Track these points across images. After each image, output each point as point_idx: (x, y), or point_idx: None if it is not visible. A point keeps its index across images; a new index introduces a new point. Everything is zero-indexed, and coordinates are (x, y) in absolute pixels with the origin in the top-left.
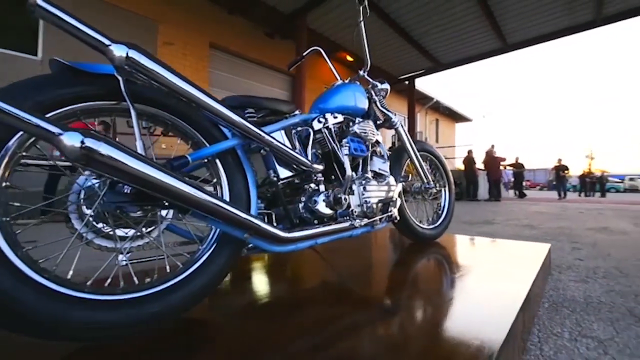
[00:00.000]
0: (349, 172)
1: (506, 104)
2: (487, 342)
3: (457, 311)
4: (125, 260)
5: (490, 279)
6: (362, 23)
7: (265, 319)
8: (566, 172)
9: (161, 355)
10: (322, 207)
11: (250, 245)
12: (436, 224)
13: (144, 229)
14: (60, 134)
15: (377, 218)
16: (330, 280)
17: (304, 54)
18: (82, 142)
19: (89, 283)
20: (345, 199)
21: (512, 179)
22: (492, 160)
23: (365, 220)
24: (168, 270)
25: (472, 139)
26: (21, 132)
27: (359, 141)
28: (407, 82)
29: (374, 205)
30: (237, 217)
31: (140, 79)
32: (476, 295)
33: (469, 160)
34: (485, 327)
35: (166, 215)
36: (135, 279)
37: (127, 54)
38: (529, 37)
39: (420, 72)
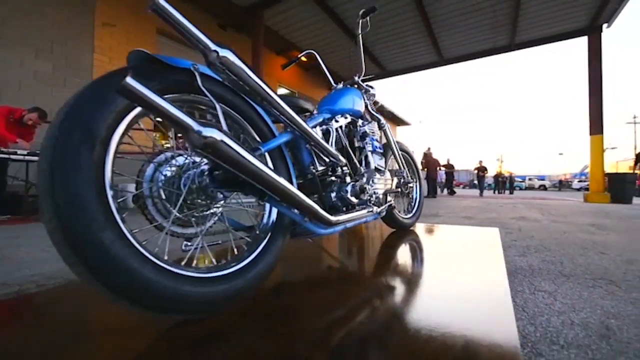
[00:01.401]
0: (372, 165)
1: (438, 112)
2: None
3: (461, 295)
4: (189, 245)
5: (470, 261)
6: (360, 36)
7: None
8: (485, 172)
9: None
10: (350, 196)
11: (297, 229)
12: (411, 214)
13: (213, 216)
14: (192, 127)
15: (385, 206)
16: (326, 269)
17: (299, 55)
18: (206, 134)
19: (182, 263)
20: (368, 189)
21: (444, 178)
22: (430, 161)
23: (376, 209)
24: (236, 253)
25: (411, 142)
26: (127, 120)
27: (375, 139)
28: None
29: (380, 196)
30: (304, 203)
31: (226, 77)
32: (468, 276)
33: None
34: (487, 299)
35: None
36: (213, 260)
37: (220, 54)
38: (460, 54)
39: (370, 77)
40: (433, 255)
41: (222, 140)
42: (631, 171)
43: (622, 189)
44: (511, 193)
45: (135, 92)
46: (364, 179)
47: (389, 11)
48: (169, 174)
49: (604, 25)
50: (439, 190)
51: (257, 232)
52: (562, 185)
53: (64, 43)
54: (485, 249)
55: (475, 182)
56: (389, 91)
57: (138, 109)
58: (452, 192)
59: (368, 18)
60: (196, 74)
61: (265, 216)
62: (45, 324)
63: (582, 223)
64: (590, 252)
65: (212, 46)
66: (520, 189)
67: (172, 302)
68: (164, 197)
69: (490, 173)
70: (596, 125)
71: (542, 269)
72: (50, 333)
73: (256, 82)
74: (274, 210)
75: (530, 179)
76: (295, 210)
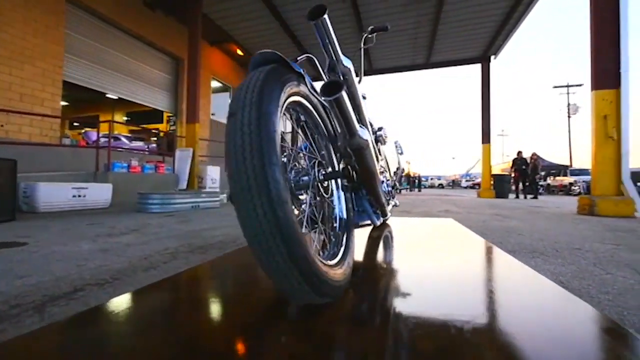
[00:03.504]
0: (401, 168)
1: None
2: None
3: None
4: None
5: (448, 247)
6: (362, 49)
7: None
8: (404, 172)
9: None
10: (388, 193)
11: (359, 221)
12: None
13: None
14: (357, 130)
15: (394, 202)
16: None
17: (298, 58)
18: (364, 137)
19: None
20: (397, 186)
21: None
22: None
23: (396, 201)
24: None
25: None
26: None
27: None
28: None
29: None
30: (381, 198)
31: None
32: (459, 254)
33: None
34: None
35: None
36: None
37: (344, 64)
38: (386, 67)
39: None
40: (415, 243)
41: (369, 144)
42: (506, 173)
43: (502, 187)
44: (419, 190)
45: (344, 101)
46: (394, 179)
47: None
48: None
49: (492, 57)
50: None
51: (337, 225)
52: (455, 184)
53: None
54: (458, 234)
55: None
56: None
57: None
58: (401, 190)
59: (374, 35)
60: (306, 78)
61: (337, 211)
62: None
63: (489, 213)
64: (513, 234)
65: (342, 57)
66: (425, 187)
67: (335, 289)
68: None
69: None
70: (486, 136)
71: (487, 237)
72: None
73: (357, 92)
74: (343, 207)
75: (431, 179)
76: (368, 205)
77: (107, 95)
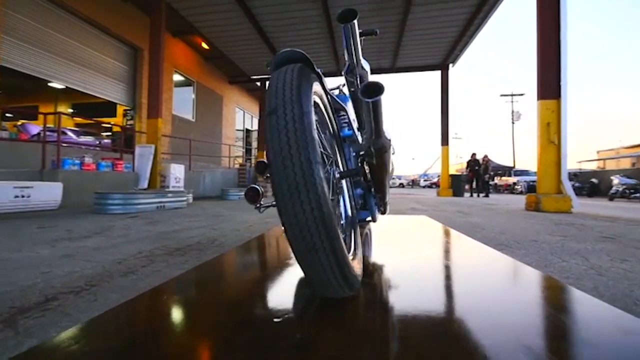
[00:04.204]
0: (393, 167)
1: None
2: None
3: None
4: None
5: (432, 241)
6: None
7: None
8: None
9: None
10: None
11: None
12: None
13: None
14: (384, 131)
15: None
16: None
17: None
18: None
19: None
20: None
21: None
22: None
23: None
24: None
25: None
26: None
27: None
28: (259, 83)
29: None
30: (387, 196)
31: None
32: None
33: None
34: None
35: None
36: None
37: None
38: None
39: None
40: (399, 239)
41: (390, 145)
42: (462, 173)
43: (459, 186)
44: None
45: (381, 103)
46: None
47: (301, 17)
48: None
49: (451, 65)
50: None
51: (343, 221)
52: (414, 183)
53: None
54: (436, 229)
55: None
56: None
57: None
58: None
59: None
60: (322, 79)
61: (342, 208)
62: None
63: (452, 210)
64: (478, 229)
65: (362, 61)
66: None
67: (358, 282)
68: None
69: None
70: (445, 138)
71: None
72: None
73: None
74: (348, 204)
75: (393, 178)
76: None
77: (51, 84)
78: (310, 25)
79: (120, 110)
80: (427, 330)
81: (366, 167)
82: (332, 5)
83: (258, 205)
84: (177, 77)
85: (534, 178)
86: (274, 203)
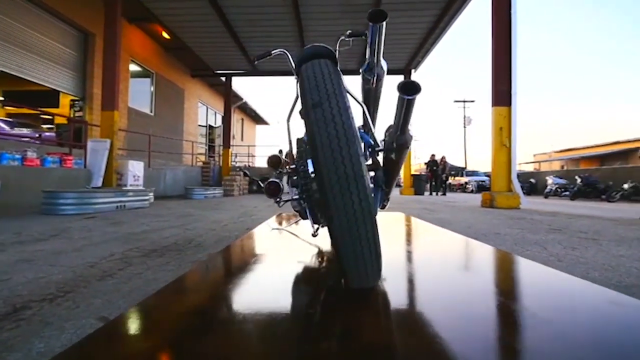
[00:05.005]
0: None
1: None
2: None
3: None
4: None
5: (415, 235)
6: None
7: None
8: None
9: None
10: None
11: None
12: None
13: None
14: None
15: None
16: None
17: (272, 51)
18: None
19: None
20: None
21: None
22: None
23: None
24: None
25: (269, 141)
26: None
27: None
28: (223, 79)
29: None
30: (390, 191)
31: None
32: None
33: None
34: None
35: None
36: None
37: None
38: None
39: (240, 72)
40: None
41: (411, 140)
42: (422, 173)
43: (420, 185)
44: None
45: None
46: None
47: (270, 13)
48: None
49: (413, 70)
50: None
51: None
52: None
53: None
54: (416, 225)
55: None
56: (255, 90)
57: None
58: None
59: (351, 39)
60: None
61: None
62: None
63: (418, 207)
64: (446, 224)
65: (382, 61)
66: None
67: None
68: None
69: None
70: None
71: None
72: None
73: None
74: None
75: None
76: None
77: None
78: (280, 23)
79: (65, 100)
80: (427, 318)
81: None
82: (302, 3)
83: (278, 199)
84: (133, 67)
85: (484, 178)
86: (294, 197)
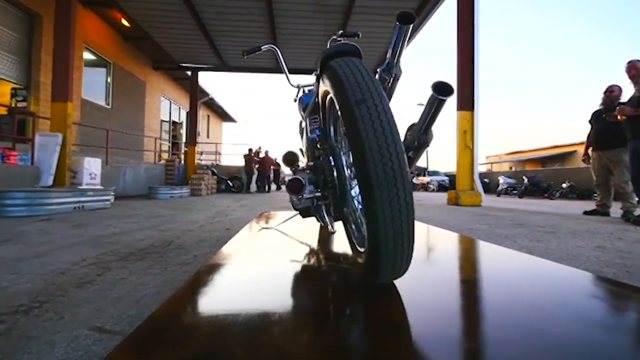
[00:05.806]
0: None
1: (264, 114)
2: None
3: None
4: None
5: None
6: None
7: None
8: None
9: None
10: None
11: None
12: None
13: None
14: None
15: None
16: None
17: (261, 47)
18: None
19: None
20: None
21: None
22: (265, 160)
23: None
24: None
25: (236, 139)
26: None
27: None
28: (189, 73)
29: None
30: None
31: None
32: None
33: (250, 158)
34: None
35: None
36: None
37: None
38: (294, 67)
39: (207, 66)
40: None
41: (432, 140)
42: None
43: None
44: None
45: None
46: None
47: (242, 7)
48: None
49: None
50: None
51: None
52: None
53: None
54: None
55: None
56: (222, 86)
57: None
58: (278, 188)
59: (343, 39)
60: None
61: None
62: None
63: None
64: (435, 222)
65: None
66: None
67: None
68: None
69: None
70: None
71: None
72: None
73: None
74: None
75: None
76: None
77: None
78: (251, 18)
79: (4, 88)
80: (435, 314)
81: None
82: (275, 0)
83: (301, 196)
84: (88, 56)
85: (444, 178)
86: (317, 194)
